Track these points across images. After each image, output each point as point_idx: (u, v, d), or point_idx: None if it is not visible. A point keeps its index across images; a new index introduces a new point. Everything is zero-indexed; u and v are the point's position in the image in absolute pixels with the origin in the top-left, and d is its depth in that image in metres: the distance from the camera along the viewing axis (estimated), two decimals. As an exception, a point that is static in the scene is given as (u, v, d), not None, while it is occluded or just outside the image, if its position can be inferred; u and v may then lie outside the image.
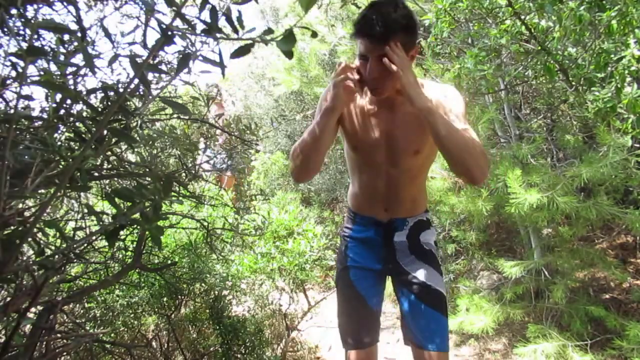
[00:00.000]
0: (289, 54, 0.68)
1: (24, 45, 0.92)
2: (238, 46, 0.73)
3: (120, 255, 2.36)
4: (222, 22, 0.84)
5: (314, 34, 0.90)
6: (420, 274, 1.95)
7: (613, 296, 4.15)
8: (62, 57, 1.17)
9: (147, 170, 1.79)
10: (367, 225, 2.07)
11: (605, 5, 2.66)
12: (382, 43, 1.60)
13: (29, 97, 0.97)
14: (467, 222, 4.30)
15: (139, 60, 0.83)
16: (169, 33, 0.67)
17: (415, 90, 1.62)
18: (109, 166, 1.71)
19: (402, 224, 2.02)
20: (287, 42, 0.66)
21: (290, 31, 0.66)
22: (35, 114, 1.23)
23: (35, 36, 1.44)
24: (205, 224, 2.46)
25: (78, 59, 1.28)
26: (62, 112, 1.13)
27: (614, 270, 3.58)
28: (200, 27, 0.72)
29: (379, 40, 1.61)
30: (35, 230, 0.78)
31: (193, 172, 1.96)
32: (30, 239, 0.78)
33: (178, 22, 0.82)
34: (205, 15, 0.79)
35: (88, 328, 2.65)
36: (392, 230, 2.02)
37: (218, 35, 0.69)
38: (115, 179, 1.76)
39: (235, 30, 0.69)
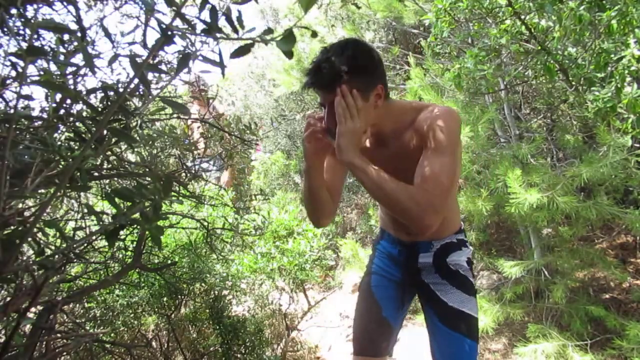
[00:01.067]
0: (289, 54, 0.68)
1: (24, 45, 0.92)
2: (238, 46, 0.73)
3: (120, 255, 2.36)
4: (222, 22, 0.84)
5: (314, 34, 0.90)
6: (444, 295, 1.88)
7: (613, 296, 4.15)
8: (62, 57, 1.17)
9: (147, 170, 1.79)
10: (393, 243, 2.05)
11: (605, 5, 2.66)
12: (331, 90, 1.58)
13: (29, 97, 0.97)
14: (467, 222, 4.30)
15: (138, 60, 0.83)
16: (169, 33, 0.67)
17: (344, 142, 1.59)
18: (109, 166, 1.71)
19: (427, 247, 1.95)
20: (287, 42, 0.66)
21: (290, 31, 0.66)
22: (35, 113, 1.23)
23: (35, 36, 1.44)
24: (205, 223, 2.46)
25: (78, 59, 1.28)
26: (62, 112, 1.13)
27: (613, 270, 3.59)
28: (200, 27, 0.73)
29: (326, 88, 1.60)
30: (35, 230, 0.78)
31: (193, 171, 1.96)
32: (30, 239, 0.78)
33: (178, 22, 0.82)
34: (205, 15, 0.79)
35: (88, 328, 2.65)
36: (416, 252, 1.97)
37: (218, 35, 0.69)
38: (115, 178, 1.77)
39: (235, 30, 0.69)
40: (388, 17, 4.51)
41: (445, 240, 1.96)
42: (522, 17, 2.85)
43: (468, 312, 1.85)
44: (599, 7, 2.66)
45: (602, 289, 4.23)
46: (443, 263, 1.93)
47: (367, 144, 1.85)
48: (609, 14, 2.61)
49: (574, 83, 2.98)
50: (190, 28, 0.69)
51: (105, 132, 1.04)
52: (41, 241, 0.83)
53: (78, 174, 0.79)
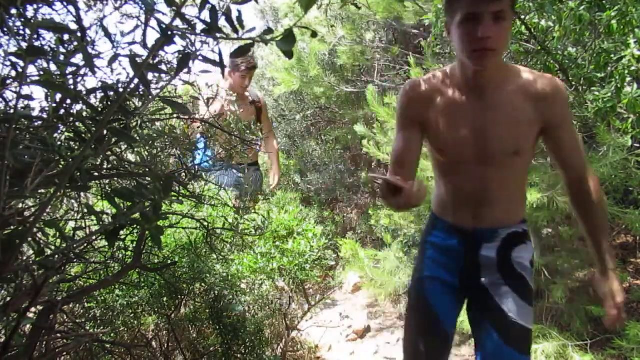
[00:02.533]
0: (289, 54, 0.68)
1: (24, 45, 0.92)
2: (238, 46, 0.73)
3: (120, 255, 2.36)
4: (222, 22, 0.84)
5: (314, 34, 0.90)
6: (508, 306, 1.60)
7: (613, 296, 4.15)
8: (62, 57, 1.17)
9: (147, 170, 1.79)
10: (450, 233, 1.77)
11: (605, 5, 2.66)
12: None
13: (29, 97, 0.97)
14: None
15: (138, 60, 0.83)
16: (169, 33, 0.67)
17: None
18: (109, 166, 1.71)
19: (492, 235, 1.70)
20: (287, 42, 0.66)
21: (290, 31, 0.66)
22: (35, 113, 1.23)
23: (35, 36, 1.44)
24: (205, 224, 2.46)
25: (78, 59, 1.28)
26: (62, 112, 1.13)
27: (614, 270, 3.58)
28: (200, 27, 0.73)
29: None
30: (35, 230, 0.78)
31: (193, 172, 1.96)
32: (30, 239, 0.78)
33: (178, 22, 0.82)
34: (205, 15, 0.79)
35: (88, 328, 2.65)
36: (478, 242, 1.71)
37: (218, 35, 0.69)
38: (115, 179, 1.76)
39: (235, 30, 0.69)
40: (388, 17, 4.51)
41: (512, 228, 1.72)
42: (522, 17, 2.85)
43: (530, 328, 1.62)
44: (599, 7, 2.66)
45: (602, 289, 4.23)
46: (507, 259, 1.69)
47: (455, 94, 1.59)
48: (609, 14, 2.61)
49: (573, 83, 2.98)
50: (190, 28, 0.70)
51: (105, 132, 1.04)
52: (41, 241, 0.83)
53: (78, 174, 0.79)
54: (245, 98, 4.51)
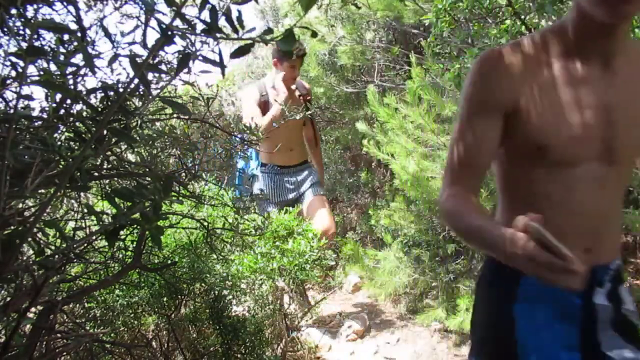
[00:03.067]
0: (289, 54, 0.68)
1: (24, 45, 0.92)
2: (238, 46, 0.73)
3: (120, 255, 2.36)
4: (221, 22, 0.84)
5: (314, 34, 0.90)
6: None
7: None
8: (61, 57, 1.17)
9: (147, 170, 1.79)
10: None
11: (605, 4, 2.66)
12: None
13: (29, 97, 0.97)
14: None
15: (138, 60, 0.83)
16: (169, 33, 0.68)
17: None
18: (109, 166, 1.71)
19: (604, 273, 1.17)
20: (288, 42, 0.66)
21: (291, 31, 0.66)
22: (34, 113, 1.23)
23: (35, 36, 1.44)
24: (205, 224, 2.46)
25: (78, 59, 1.28)
26: (61, 111, 1.13)
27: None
28: (199, 26, 0.73)
29: None
30: (35, 230, 0.78)
31: (193, 172, 1.96)
32: (30, 239, 0.78)
33: (178, 22, 0.82)
34: (205, 15, 0.80)
35: (88, 328, 2.65)
36: (591, 286, 1.14)
37: (218, 35, 0.69)
38: (115, 178, 1.76)
39: (235, 30, 0.69)
40: (388, 16, 4.51)
41: (618, 259, 1.23)
42: (522, 17, 2.85)
43: None
44: (599, 6, 2.66)
45: (602, 289, 4.23)
46: (619, 308, 1.18)
47: (569, 64, 1.08)
48: (609, 14, 2.60)
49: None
50: (190, 28, 0.70)
51: (105, 132, 1.04)
52: (41, 241, 0.83)
53: (78, 174, 0.79)
54: (292, 91, 3.93)
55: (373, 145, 4.15)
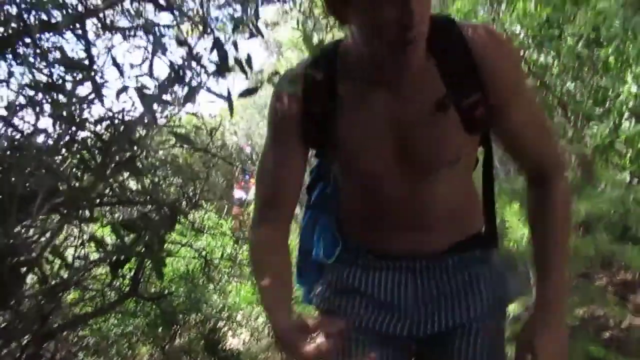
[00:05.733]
0: (294, 93, 0.70)
1: (36, 73, 0.94)
2: (246, 88, 0.75)
3: (117, 283, 2.35)
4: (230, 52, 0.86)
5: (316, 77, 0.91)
6: None
7: (613, 334, 4.10)
8: (69, 85, 1.19)
9: (149, 198, 1.79)
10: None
11: (603, 42, 2.71)
12: None
13: (44, 131, 0.97)
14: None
15: (146, 91, 0.84)
16: (181, 73, 0.69)
17: None
18: (111, 193, 1.71)
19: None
20: (293, 84, 0.68)
21: (295, 75, 0.68)
22: (40, 138, 1.24)
23: (44, 63, 1.46)
24: (204, 253, 2.45)
25: (86, 86, 1.29)
26: (67, 138, 1.14)
27: (613, 307, 3.55)
28: (209, 62, 0.74)
29: None
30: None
31: (194, 201, 1.97)
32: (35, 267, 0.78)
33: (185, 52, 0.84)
34: (213, 49, 0.81)
35: (82, 357, 2.61)
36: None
37: (227, 75, 0.71)
38: (117, 206, 1.77)
39: (244, 72, 0.71)
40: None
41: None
42: (522, 53, 2.90)
43: None
44: (597, 43, 2.72)
45: (602, 327, 4.19)
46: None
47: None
48: (606, 51, 2.66)
49: (572, 118, 3.01)
50: (202, 67, 0.71)
51: (109, 160, 1.05)
52: (45, 270, 0.83)
53: (84, 202, 0.79)
54: None
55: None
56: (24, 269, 0.71)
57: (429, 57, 0.97)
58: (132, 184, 2.04)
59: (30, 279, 0.88)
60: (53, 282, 0.79)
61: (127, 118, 1.23)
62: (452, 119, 0.98)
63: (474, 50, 0.96)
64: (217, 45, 0.68)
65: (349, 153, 1.06)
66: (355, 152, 1.06)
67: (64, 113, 0.75)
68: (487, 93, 0.98)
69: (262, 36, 1.25)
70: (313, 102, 1.02)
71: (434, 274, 1.18)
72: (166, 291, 2.64)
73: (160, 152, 2.08)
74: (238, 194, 4.42)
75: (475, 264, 1.18)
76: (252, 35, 1.16)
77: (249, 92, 0.73)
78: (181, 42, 0.71)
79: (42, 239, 1.18)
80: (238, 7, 1.07)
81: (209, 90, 0.89)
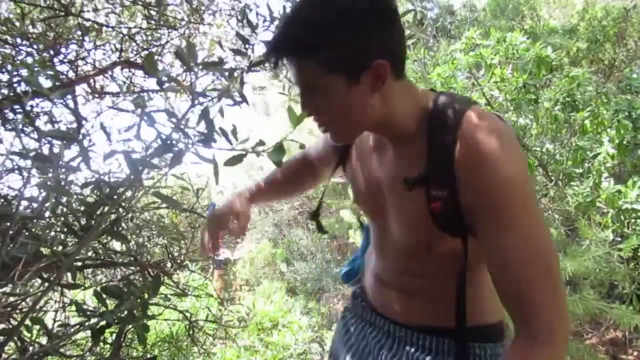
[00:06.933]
0: (279, 164, 0.72)
1: (24, 138, 0.95)
2: (232, 156, 0.77)
3: (98, 348, 2.28)
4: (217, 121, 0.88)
5: (302, 146, 0.95)
6: None
7: (606, 395, 4.02)
8: (56, 149, 1.21)
9: (133, 259, 1.78)
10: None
11: (578, 105, 2.82)
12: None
13: (33, 199, 0.98)
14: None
15: (134, 155, 0.86)
16: (168, 143, 0.72)
17: None
18: (94, 255, 1.70)
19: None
20: (277, 154, 0.71)
21: (280, 144, 0.71)
22: (24, 203, 1.24)
23: (31, 128, 1.49)
24: (188, 315, 2.41)
25: (72, 149, 1.31)
26: (50, 202, 1.15)
27: (605, 367, 3.50)
28: (195, 132, 0.77)
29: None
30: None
31: (179, 261, 1.95)
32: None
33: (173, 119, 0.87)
34: (200, 117, 0.84)
35: None
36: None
37: (213, 145, 0.74)
38: (100, 268, 1.75)
39: (230, 142, 0.74)
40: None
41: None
42: (501, 115, 3.00)
43: None
44: (572, 107, 2.83)
45: (594, 387, 4.11)
46: None
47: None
48: (582, 114, 2.76)
49: (553, 178, 3.08)
50: (188, 139, 0.74)
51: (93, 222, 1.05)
52: (25, 338, 0.82)
53: (67, 268, 0.79)
54: None
55: (359, 235, 4.17)
56: (3, 338, 0.70)
57: (422, 135, 0.97)
58: (117, 245, 2.03)
59: (8, 347, 0.87)
60: (32, 349, 0.78)
61: (112, 180, 1.25)
62: (419, 202, 0.96)
63: (457, 152, 0.91)
64: (204, 115, 0.71)
65: (353, 189, 1.25)
66: (354, 190, 1.23)
67: (50, 182, 0.76)
68: (458, 196, 0.92)
69: (248, 103, 1.29)
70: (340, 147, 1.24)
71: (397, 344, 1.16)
72: (149, 355, 2.57)
73: (146, 213, 2.08)
74: (223, 254, 4.38)
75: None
76: (237, 103, 1.20)
77: (234, 160, 0.75)
78: (170, 114, 0.74)
79: (23, 304, 1.16)
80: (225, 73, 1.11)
81: (195, 153, 0.92)
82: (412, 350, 1.11)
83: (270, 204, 1.50)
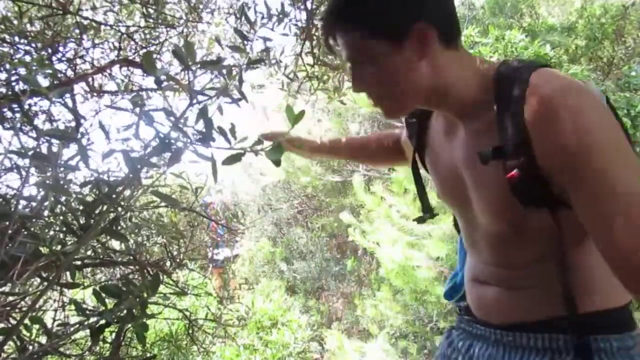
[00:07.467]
0: (277, 163, 0.72)
1: (23, 136, 0.95)
2: (230, 154, 0.77)
3: (98, 347, 2.27)
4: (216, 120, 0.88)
5: (300, 146, 0.95)
6: None
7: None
8: (55, 147, 1.20)
9: (132, 258, 1.78)
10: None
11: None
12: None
13: (32, 199, 0.98)
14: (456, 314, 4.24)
15: (132, 154, 0.86)
16: (167, 141, 0.71)
17: None
18: (93, 254, 1.70)
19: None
20: (276, 152, 0.71)
21: (279, 143, 0.71)
22: (22, 203, 1.24)
23: (30, 128, 1.48)
24: (188, 313, 2.41)
25: (72, 148, 1.31)
26: (49, 201, 1.15)
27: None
28: (194, 130, 0.77)
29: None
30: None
31: (178, 260, 1.95)
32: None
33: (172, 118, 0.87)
34: (201, 122, 0.84)
35: None
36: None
37: (212, 144, 0.73)
38: (99, 267, 1.75)
39: (228, 141, 0.74)
40: (372, 110, 4.72)
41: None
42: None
43: None
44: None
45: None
46: None
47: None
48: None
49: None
50: (186, 138, 0.74)
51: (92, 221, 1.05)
52: (24, 337, 0.82)
53: (66, 267, 0.79)
54: None
55: (358, 234, 4.18)
56: (2, 338, 0.70)
57: (490, 105, 0.92)
58: (116, 244, 2.03)
59: (7, 346, 0.87)
60: (31, 349, 0.78)
61: (111, 178, 1.24)
62: (497, 176, 0.90)
63: (526, 112, 0.85)
64: (203, 114, 0.71)
65: (434, 182, 1.17)
66: (436, 183, 1.16)
67: (48, 181, 0.76)
68: (535, 161, 0.85)
69: (247, 101, 1.29)
70: (414, 135, 1.19)
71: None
72: (148, 354, 2.57)
73: (145, 212, 2.08)
74: (223, 252, 4.38)
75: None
76: (235, 101, 1.20)
77: (232, 159, 0.75)
78: (168, 113, 0.74)
79: (22, 303, 1.16)
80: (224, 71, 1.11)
81: (194, 152, 0.91)
82: (523, 355, 1.02)
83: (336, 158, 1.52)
